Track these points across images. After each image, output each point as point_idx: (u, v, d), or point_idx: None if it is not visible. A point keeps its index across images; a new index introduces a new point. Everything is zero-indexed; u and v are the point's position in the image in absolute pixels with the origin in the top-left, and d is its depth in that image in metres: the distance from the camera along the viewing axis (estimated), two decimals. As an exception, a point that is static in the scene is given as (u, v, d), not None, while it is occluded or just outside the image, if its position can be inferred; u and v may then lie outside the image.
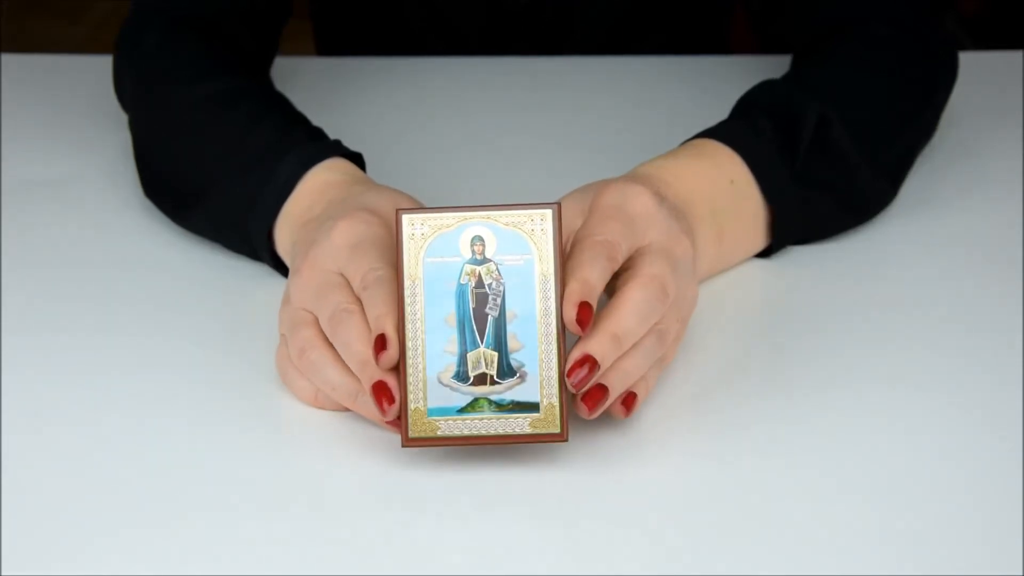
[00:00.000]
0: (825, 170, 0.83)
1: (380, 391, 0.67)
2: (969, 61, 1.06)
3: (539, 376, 0.66)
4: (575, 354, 0.66)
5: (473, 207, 0.66)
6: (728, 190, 0.80)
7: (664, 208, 0.72)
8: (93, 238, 0.89)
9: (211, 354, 0.77)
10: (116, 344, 0.78)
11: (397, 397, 0.66)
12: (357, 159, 0.83)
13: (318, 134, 0.84)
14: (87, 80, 1.00)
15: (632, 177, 0.75)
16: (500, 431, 0.66)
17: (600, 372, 0.66)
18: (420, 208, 0.68)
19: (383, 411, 0.67)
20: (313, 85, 1.08)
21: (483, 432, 0.66)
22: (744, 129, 0.82)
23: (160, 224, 0.90)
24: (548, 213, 0.66)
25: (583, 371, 0.65)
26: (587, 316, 0.65)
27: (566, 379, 0.66)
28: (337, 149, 0.82)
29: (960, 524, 0.65)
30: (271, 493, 0.67)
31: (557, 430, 0.66)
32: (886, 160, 0.87)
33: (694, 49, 1.17)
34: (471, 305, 0.66)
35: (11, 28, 2.85)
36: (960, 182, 0.94)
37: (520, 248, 0.65)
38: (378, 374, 0.67)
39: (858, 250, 0.86)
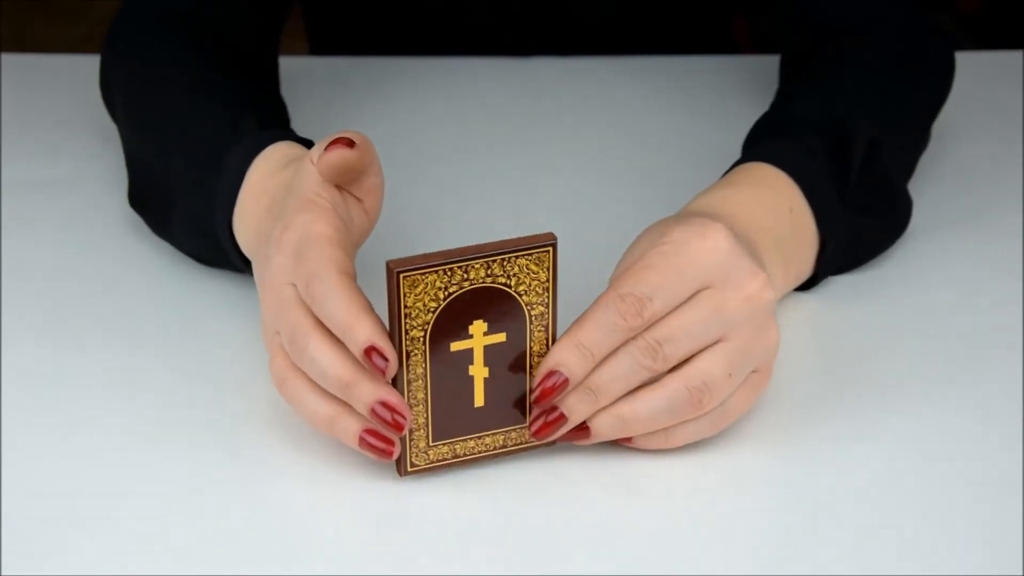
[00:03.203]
0: (870, 193, 0.81)
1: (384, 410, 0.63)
2: (969, 61, 1.06)
3: None
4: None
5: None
6: (788, 219, 0.76)
7: (739, 248, 0.67)
8: (93, 238, 0.89)
9: (209, 356, 0.77)
10: (114, 345, 0.78)
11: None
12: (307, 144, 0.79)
13: (267, 119, 0.81)
14: (87, 80, 1.00)
15: (701, 215, 0.70)
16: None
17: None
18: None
19: (398, 430, 0.64)
20: (309, 86, 1.08)
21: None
22: (800, 153, 0.78)
23: (160, 224, 0.90)
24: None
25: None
26: (552, 389, 0.64)
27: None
28: (282, 135, 0.78)
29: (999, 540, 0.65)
30: (264, 503, 0.67)
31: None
32: (908, 174, 0.87)
33: (698, 46, 1.17)
34: None
35: (11, 28, 2.85)
36: (960, 183, 0.94)
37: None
38: (376, 392, 0.63)
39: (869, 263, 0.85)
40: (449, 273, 0.63)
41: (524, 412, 0.66)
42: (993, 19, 2.37)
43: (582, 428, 0.66)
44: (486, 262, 0.63)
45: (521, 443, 0.67)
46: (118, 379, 0.75)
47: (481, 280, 0.63)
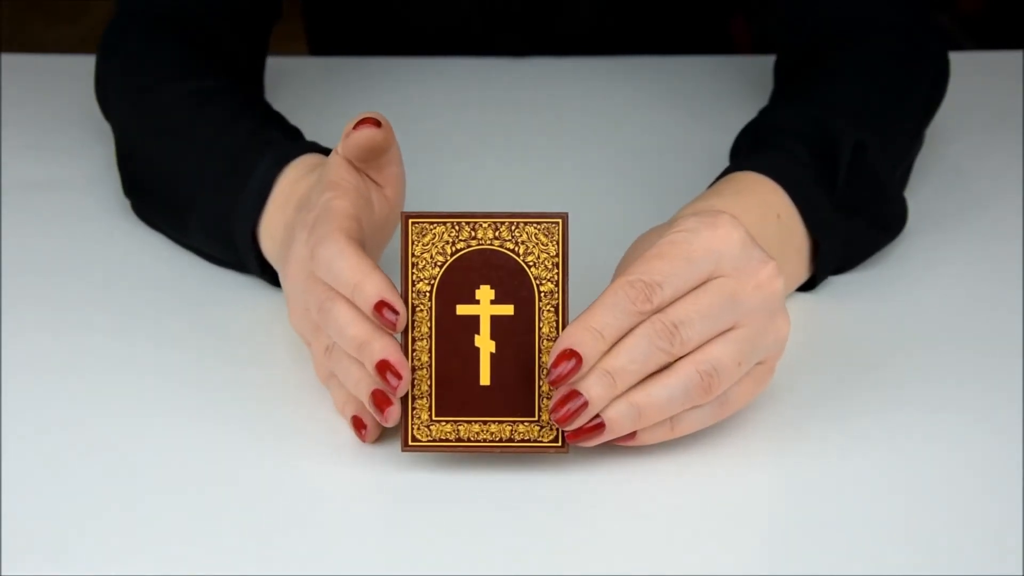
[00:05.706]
0: (861, 195, 0.81)
1: (384, 369, 0.64)
2: (969, 61, 1.06)
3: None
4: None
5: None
6: (776, 225, 0.76)
7: (748, 238, 0.67)
8: (93, 238, 0.89)
9: (207, 355, 0.77)
10: (117, 344, 0.78)
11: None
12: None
13: (293, 133, 0.84)
14: (87, 80, 1.00)
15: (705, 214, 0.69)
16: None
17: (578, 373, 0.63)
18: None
19: (392, 388, 0.65)
20: (307, 86, 1.09)
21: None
22: (784, 160, 0.78)
23: (160, 224, 0.90)
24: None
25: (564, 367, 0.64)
26: (567, 373, 0.63)
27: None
28: (312, 146, 0.81)
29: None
30: (269, 497, 0.67)
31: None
32: (901, 175, 0.87)
33: (694, 46, 1.17)
34: None
35: (11, 28, 2.85)
36: (960, 183, 0.94)
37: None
38: (384, 349, 0.64)
39: (866, 263, 0.85)
40: (457, 228, 0.65)
41: (533, 404, 0.66)
42: (993, 19, 2.37)
43: (596, 424, 0.65)
44: (494, 223, 0.66)
45: (529, 440, 0.67)
46: (120, 375, 0.75)
47: (489, 242, 0.65)
